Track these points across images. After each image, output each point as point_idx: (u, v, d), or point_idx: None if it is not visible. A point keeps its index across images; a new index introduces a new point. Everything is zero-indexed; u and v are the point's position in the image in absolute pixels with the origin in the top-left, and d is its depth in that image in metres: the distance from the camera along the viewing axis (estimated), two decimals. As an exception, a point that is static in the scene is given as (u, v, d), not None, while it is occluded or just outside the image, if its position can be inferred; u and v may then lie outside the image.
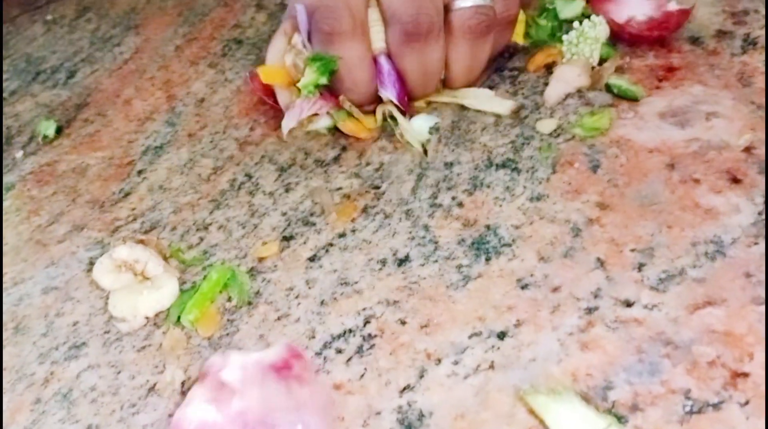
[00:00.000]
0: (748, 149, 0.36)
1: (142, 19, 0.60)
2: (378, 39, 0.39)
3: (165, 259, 0.35)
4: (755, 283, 0.29)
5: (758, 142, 0.36)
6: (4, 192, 0.43)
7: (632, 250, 0.32)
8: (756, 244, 0.31)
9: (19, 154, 0.46)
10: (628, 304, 0.30)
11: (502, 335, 0.30)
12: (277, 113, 0.43)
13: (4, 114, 0.51)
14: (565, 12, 0.48)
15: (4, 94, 0.53)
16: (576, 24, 0.43)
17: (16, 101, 0.52)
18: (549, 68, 0.44)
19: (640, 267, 0.31)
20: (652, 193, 0.34)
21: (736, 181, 0.34)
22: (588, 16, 0.44)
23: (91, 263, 0.37)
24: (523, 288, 0.31)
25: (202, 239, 0.37)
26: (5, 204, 0.43)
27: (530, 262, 0.32)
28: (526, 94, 0.42)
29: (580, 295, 0.31)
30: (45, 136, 0.47)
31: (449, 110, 0.42)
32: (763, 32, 0.43)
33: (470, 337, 0.30)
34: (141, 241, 0.35)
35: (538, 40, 0.45)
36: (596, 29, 0.43)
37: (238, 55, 0.52)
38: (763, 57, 0.41)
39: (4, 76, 0.56)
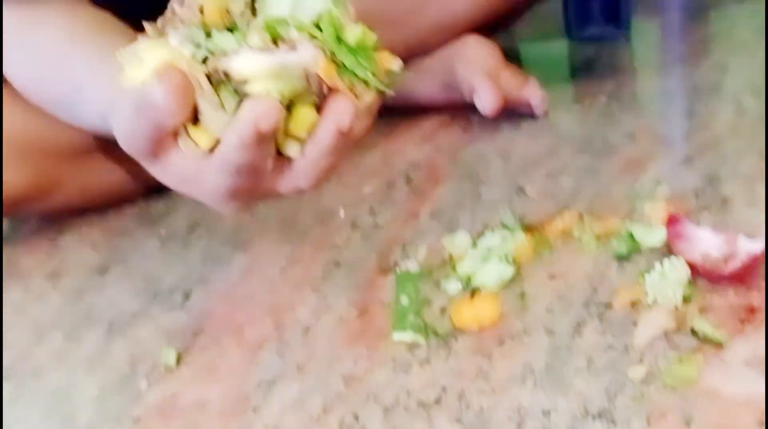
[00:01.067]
0: (840, 408, 0.37)
1: (248, 237, 0.66)
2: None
3: None
4: None
5: None
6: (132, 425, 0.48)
7: None
8: None
9: (144, 384, 0.51)
10: None
11: None
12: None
13: (128, 337, 0.56)
14: (647, 241, 0.51)
15: (126, 316, 0.59)
16: (657, 265, 0.46)
17: (139, 325, 0.57)
18: (634, 305, 0.46)
19: None
20: (748, 457, 0.36)
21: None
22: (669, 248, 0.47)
23: None
24: None
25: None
26: (134, 440, 0.47)
27: None
28: (615, 334, 0.45)
29: None
30: (166, 365, 0.52)
31: (542, 347, 0.45)
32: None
33: None
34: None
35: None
36: (677, 271, 0.46)
37: (338, 279, 0.57)
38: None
39: (125, 296, 0.62)
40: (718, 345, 0.42)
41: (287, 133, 0.40)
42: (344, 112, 0.39)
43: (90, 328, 0.58)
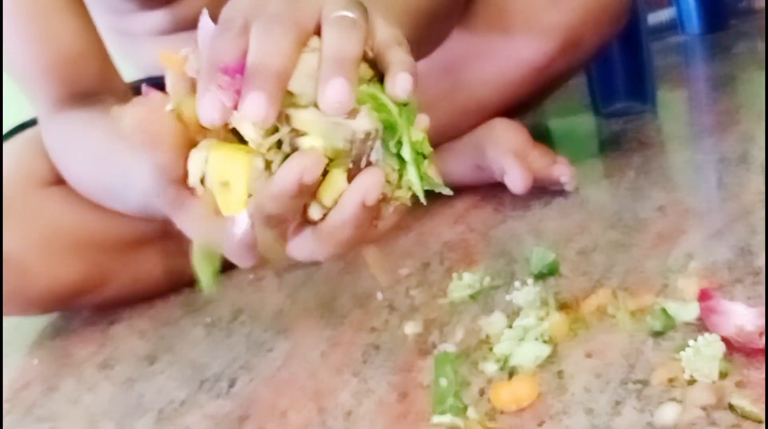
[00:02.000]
0: None
1: (289, 321, 0.68)
2: None
3: None
4: None
5: None
6: None
7: None
8: None
9: (193, 472, 0.52)
10: None
11: None
12: None
13: (177, 426, 0.58)
14: (681, 316, 0.52)
15: (175, 404, 0.61)
16: (692, 342, 0.47)
17: (186, 413, 0.59)
18: (671, 381, 0.47)
19: None
20: None
21: None
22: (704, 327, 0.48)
23: None
24: None
25: None
26: None
27: None
28: (653, 411, 0.45)
29: None
30: (214, 453, 0.53)
31: (581, 426, 0.45)
32: None
33: None
34: None
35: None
36: (711, 347, 0.46)
37: (377, 362, 0.58)
38: None
39: (174, 384, 0.64)
40: (758, 422, 0.42)
41: (315, 197, 0.40)
42: (372, 185, 0.39)
43: (140, 418, 0.60)
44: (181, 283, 0.80)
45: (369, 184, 0.39)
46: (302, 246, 0.43)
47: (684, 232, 0.63)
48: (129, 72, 0.80)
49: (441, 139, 0.82)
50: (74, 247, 0.75)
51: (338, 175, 0.39)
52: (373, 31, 0.40)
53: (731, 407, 0.43)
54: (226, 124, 0.38)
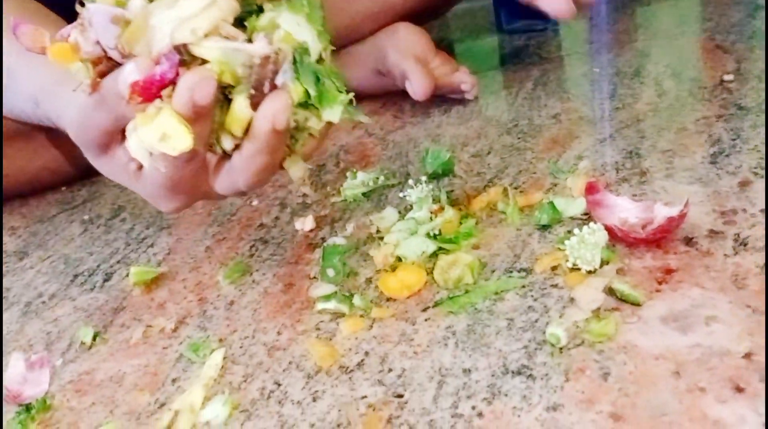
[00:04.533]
0: (748, 356, 0.38)
1: (174, 218, 0.65)
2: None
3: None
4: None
5: (757, 348, 0.38)
6: (46, 400, 0.46)
7: (647, 466, 0.33)
8: (764, 457, 0.33)
9: (59, 361, 0.49)
10: None
11: None
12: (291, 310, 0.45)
13: (44, 318, 0.54)
14: (568, 211, 0.52)
15: (44, 298, 0.57)
16: (576, 230, 0.47)
17: (56, 305, 0.55)
18: (554, 269, 0.47)
19: (656, 484, 0.32)
20: (661, 403, 0.36)
21: (739, 389, 0.36)
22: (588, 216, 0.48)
23: (129, 480, 0.39)
24: None
25: (235, 453, 0.39)
26: (45, 416, 0.45)
27: (551, 478, 0.34)
28: (535, 297, 0.45)
29: None
30: (83, 343, 0.50)
31: (464, 313, 0.45)
32: (752, 232, 0.46)
33: None
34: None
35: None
36: (595, 235, 0.46)
37: (264, 256, 0.56)
38: (754, 259, 0.44)
39: (44, 278, 0.60)
40: (636, 304, 0.43)
41: (225, 129, 0.40)
42: (279, 109, 0.38)
43: (5, 311, 0.56)
44: (58, 181, 0.74)
45: (276, 109, 0.38)
46: (224, 180, 0.43)
47: (576, 137, 0.63)
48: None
49: (343, 42, 0.79)
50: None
51: (241, 102, 0.39)
52: None
53: (611, 291, 0.44)
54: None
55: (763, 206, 0.48)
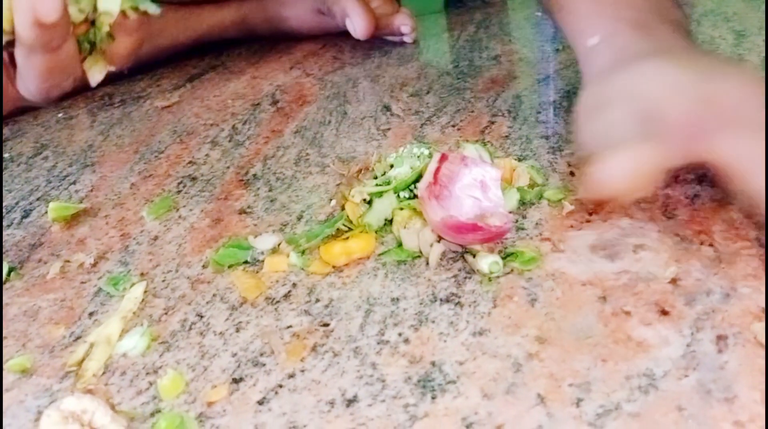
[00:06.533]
0: (674, 281, 0.38)
1: (98, 156, 0.62)
2: None
3: (113, 407, 0.35)
4: (687, 417, 0.31)
5: (683, 274, 0.38)
6: (-49, 338, 0.43)
7: (570, 385, 0.33)
8: (686, 376, 0.33)
9: (-31, 297, 0.46)
10: (569, 441, 0.31)
11: (448, 477, 0.30)
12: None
13: (-45, 255, 0.51)
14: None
15: (-43, 235, 0.54)
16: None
17: (-31, 242, 0.52)
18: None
19: (578, 402, 0.32)
20: (586, 327, 0.36)
21: (664, 313, 0.36)
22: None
23: (39, 412, 0.37)
24: (467, 427, 0.32)
25: (151, 384, 0.38)
26: (-48, 351, 0.42)
27: (474, 400, 0.33)
28: (468, 229, 0.44)
29: (523, 432, 0.31)
30: (-4, 278, 0.47)
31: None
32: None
33: (417, 479, 0.31)
34: (89, 391, 0.35)
35: None
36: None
37: (192, 192, 0.54)
38: (684, 190, 0.44)
39: (-42, 216, 0.56)
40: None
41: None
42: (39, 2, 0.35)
43: None
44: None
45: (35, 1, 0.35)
46: (20, 84, 0.39)
47: (515, 78, 0.62)
48: None
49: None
50: None
51: None
52: None
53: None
54: None
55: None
